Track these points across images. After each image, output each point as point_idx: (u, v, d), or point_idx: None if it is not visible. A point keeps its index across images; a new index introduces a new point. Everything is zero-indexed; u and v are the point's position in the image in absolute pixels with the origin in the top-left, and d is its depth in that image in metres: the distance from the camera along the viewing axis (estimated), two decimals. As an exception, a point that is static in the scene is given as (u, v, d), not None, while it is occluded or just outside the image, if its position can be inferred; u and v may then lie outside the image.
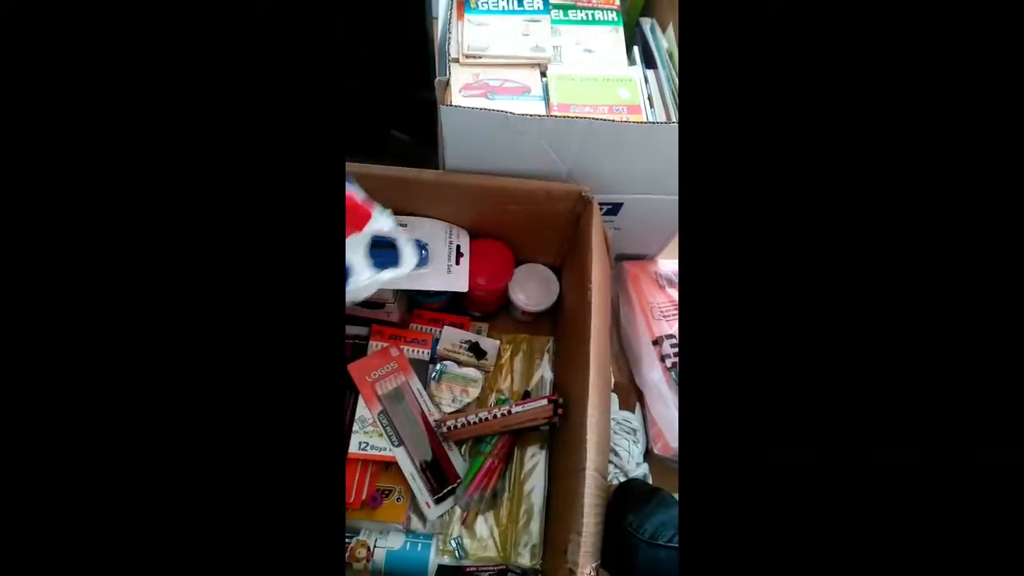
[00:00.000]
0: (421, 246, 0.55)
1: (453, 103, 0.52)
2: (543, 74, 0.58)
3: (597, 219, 0.54)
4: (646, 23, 0.64)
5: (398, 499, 0.57)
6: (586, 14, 0.63)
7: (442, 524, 0.57)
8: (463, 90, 0.55)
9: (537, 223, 0.59)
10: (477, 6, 0.60)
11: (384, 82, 0.65)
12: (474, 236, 0.62)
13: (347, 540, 0.55)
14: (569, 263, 0.64)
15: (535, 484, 0.58)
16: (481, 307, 0.67)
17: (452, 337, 0.64)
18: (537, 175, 0.54)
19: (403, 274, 0.48)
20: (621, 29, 0.62)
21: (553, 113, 0.54)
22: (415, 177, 0.53)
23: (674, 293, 0.69)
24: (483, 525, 0.57)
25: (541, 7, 0.61)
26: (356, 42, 0.62)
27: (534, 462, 0.59)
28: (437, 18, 0.60)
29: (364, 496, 0.56)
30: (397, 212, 0.58)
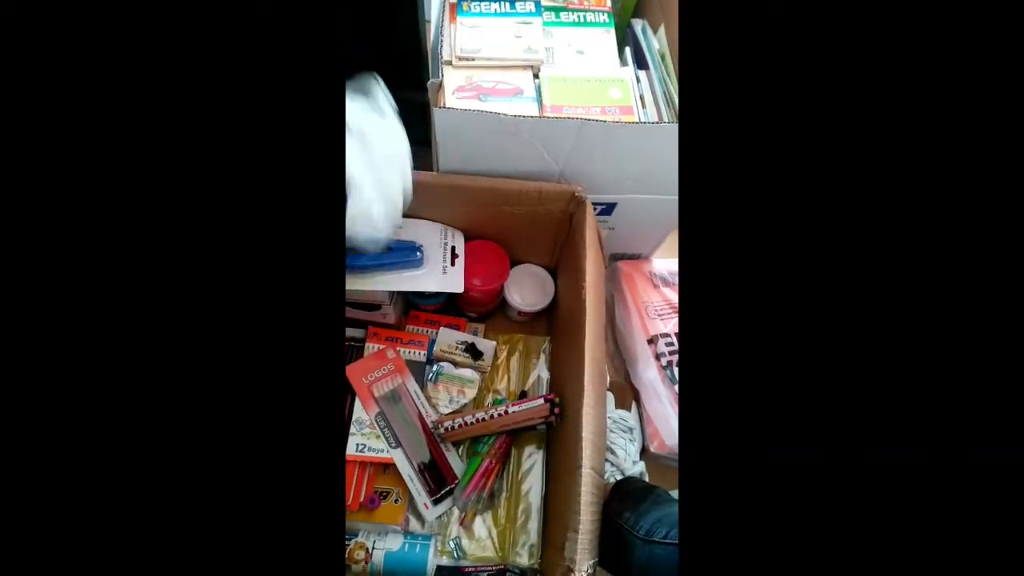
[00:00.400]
0: (416, 248, 0.56)
1: (446, 105, 0.53)
2: (536, 75, 0.58)
3: (591, 219, 0.55)
4: (637, 24, 0.65)
5: (396, 501, 0.57)
6: (578, 16, 0.63)
7: (440, 525, 0.57)
8: (456, 92, 0.55)
9: (531, 224, 0.59)
10: (469, 9, 0.60)
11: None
12: (469, 237, 0.62)
13: (345, 542, 0.55)
14: (564, 263, 0.64)
15: (532, 484, 0.58)
16: (477, 308, 0.67)
17: (448, 338, 0.64)
18: (531, 176, 0.55)
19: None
20: (612, 30, 0.62)
21: (546, 114, 0.55)
22: (418, 181, 0.54)
23: (668, 292, 0.70)
24: (481, 525, 0.57)
25: (533, 10, 0.61)
26: (353, 43, 0.62)
27: (531, 462, 0.60)
28: (430, 21, 0.60)
29: (362, 498, 0.56)
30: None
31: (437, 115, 0.49)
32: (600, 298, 0.55)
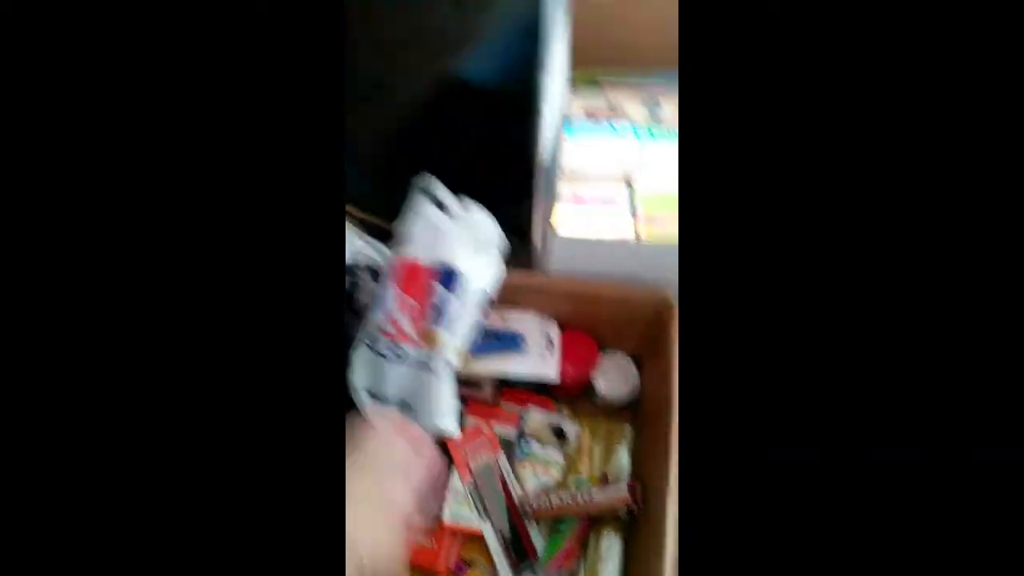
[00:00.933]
0: (519, 337, 0.63)
1: (556, 221, 0.61)
2: (630, 186, 0.66)
3: (677, 319, 0.60)
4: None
5: (481, 569, 0.61)
6: (669, 131, 0.71)
7: (521, 599, 0.60)
8: (565, 202, 0.63)
9: (621, 317, 0.65)
10: (574, 129, 0.70)
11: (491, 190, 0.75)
12: (561, 325, 0.68)
13: (432, 605, 0.59)
14: (649, 355, 0.69)
15: (610, 571, 0.60)
16: (565, 391, 0.73)
17: (537, 418, 0.69)
18: (626, 278, 0.61)
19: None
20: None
21: (639, 229, 0.61)
22: (521, 283, 0.62)
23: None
24: (560, 605, 0.59)
25: (629, 128, 0.70)
26: (476, 161, 0.72)
27: (610, 548, 0.62)
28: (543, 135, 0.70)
29: (451, 565, 0.60)
30: (500, 305, 0.66)
31: (554, 243, 0.57)
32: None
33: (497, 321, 0.65)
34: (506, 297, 0.65)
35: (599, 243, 0.56)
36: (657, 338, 0.64)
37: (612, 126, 0.71)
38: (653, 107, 0.74)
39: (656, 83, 0.76)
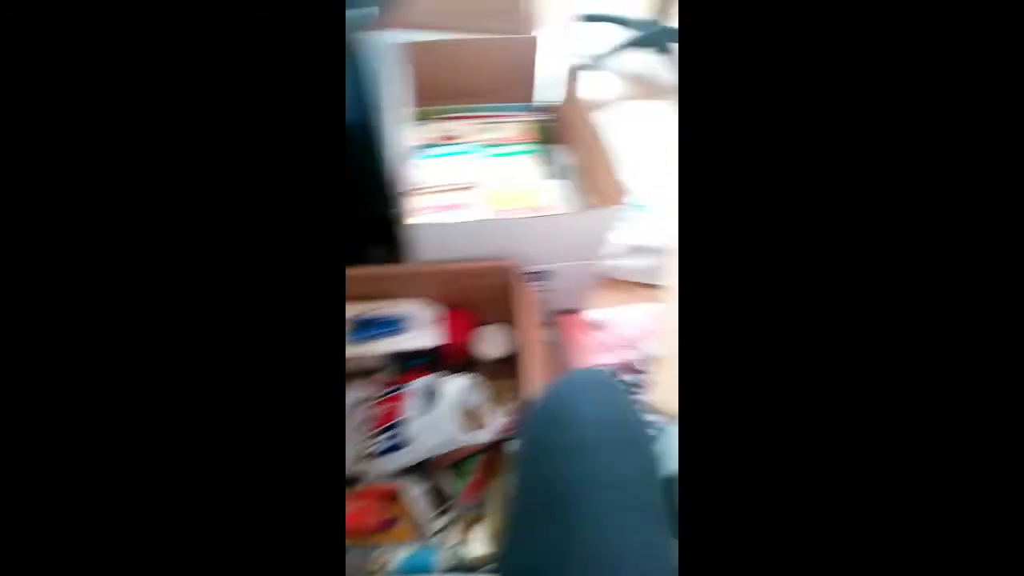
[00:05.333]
0: (400, 319, 0.76)
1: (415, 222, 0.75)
2: (475, 187, 0.83)
3: (526, 286, 0.76)
4: (556, 148, 0.91)
5: (404, 521, 0.72)
6: (510, 150, 0.89)
7: (445, 534, 0.71)
8: (422, 211, 0.78)
9: (490, 293, 0.80)
10: (422, 154, 0.86)
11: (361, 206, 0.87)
12: (444, 307, 0.82)
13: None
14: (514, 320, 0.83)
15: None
16: (454, 358, 0.85)
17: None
18: (485, 256, 0.76)
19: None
20: (538, 154, 0.88)
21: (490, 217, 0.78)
22: (393, 272, 0.75)
23: (601, 335, 0.90)
24: (479, 530, 0.71)
25: (473, 149, 0.87)
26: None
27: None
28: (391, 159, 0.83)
29: (375, 522, 0.71)
30: (380, 298, 0.78)
31: (413, 229, 0.70)
32: (537, 345, 0.73)
33: (380, 310, 0.78)
34: (386, 288, 0.77)
35: (454, 225, 0.71)
36: (515, 303, 0.80)
37: (452, 151, 0.88)
38: (492, 131, 0.92)
39: (496, 111, 0.95)
